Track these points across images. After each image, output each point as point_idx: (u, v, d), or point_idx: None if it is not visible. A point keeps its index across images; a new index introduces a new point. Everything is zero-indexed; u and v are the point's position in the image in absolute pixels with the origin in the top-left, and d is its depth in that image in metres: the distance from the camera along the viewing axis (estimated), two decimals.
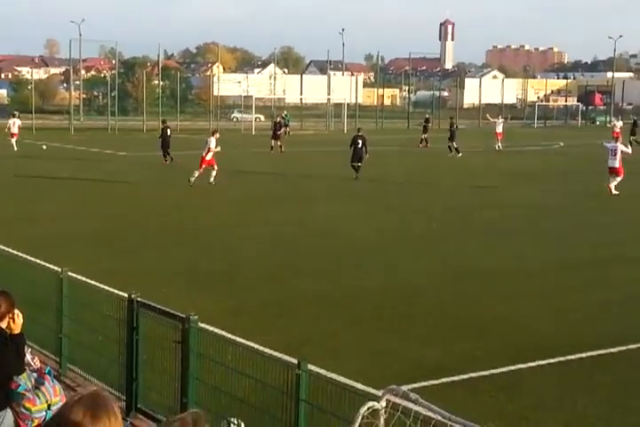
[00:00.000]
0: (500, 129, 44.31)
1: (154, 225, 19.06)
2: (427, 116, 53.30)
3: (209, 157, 26.44)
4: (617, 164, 25.27)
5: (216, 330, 9.08)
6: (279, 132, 43.04)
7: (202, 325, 7.29)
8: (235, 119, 71.52)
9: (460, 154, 39.55)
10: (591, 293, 13.09)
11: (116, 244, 16.68)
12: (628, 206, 23.22)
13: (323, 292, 12.83)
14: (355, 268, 14.67)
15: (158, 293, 10.69)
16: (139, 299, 7.60)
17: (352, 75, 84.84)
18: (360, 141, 29.96)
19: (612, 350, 10.07)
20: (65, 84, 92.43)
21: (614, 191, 24.89)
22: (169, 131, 35.17)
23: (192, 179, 25.84)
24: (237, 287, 13.14)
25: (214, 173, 26.28)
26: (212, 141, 26.71)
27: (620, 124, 47.49)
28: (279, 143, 42.04)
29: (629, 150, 26.44)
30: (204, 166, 26.32)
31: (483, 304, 12.20)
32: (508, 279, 13.93)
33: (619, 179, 25.17)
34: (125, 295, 7.88)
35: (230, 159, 31.76)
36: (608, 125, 69.32)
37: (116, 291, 9.94)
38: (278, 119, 45.54)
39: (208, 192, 25.26)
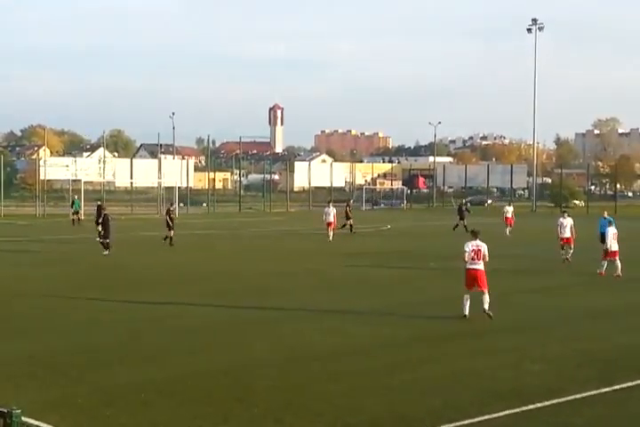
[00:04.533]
0: (330, 219, 40.57)
1: None
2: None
3: None
4: (568, 234, 30.09)
5: (42, 424, 8.74)
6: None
7: (26, 419, 7.01)
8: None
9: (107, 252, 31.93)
10: (418, 370, 13.44)
11: None
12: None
13: (151, 378, 12.59)
14: (185, 352, 14.47)
15: None
16: None
17: (183, 158, 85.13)
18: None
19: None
20: None
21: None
22: None
23: None
24: (62, 376, 12.67)
25: None
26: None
27: (511, 209, 45.34)
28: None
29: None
30: None
31: (314, 386, 12.29)
32: (340, 359, 14.11)
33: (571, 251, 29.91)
34: None
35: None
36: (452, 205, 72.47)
37: None
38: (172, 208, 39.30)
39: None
